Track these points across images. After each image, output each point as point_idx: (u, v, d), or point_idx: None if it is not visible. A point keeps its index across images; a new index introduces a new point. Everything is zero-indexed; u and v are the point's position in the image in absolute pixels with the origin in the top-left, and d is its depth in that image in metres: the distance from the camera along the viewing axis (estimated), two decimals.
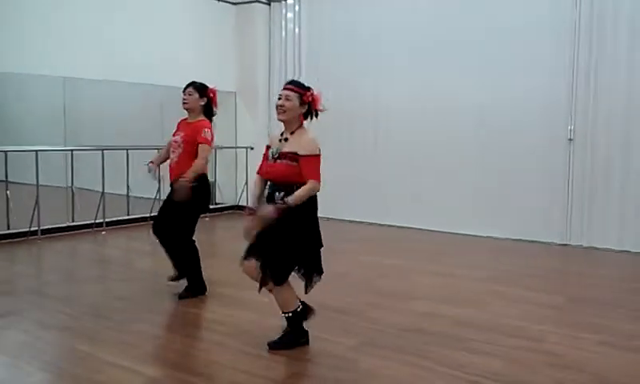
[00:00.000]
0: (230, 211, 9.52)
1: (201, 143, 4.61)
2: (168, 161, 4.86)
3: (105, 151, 7.73)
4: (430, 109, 7.96)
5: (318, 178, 3.51)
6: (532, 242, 7.23)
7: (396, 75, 8.26)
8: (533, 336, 4.01)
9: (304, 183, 3.49)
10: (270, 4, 9.51)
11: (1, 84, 9.68)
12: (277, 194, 3.55)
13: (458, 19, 7.73)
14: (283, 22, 9.38)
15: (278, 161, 3.57)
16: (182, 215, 4.73)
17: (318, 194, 3.59)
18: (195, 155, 4.63)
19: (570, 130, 6.98)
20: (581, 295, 5.15)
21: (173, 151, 4.75)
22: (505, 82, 7.37)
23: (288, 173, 3.53)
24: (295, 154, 3.52)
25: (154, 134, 7.88)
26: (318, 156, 3.54)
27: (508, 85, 7.35)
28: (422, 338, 3.96)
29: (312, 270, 3.68)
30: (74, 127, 7.92)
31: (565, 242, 7.09)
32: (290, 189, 3.50)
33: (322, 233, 3.66)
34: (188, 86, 4.79)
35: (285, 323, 3.74)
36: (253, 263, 3.60)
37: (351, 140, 8.77)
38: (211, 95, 4.79)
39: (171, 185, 4.80)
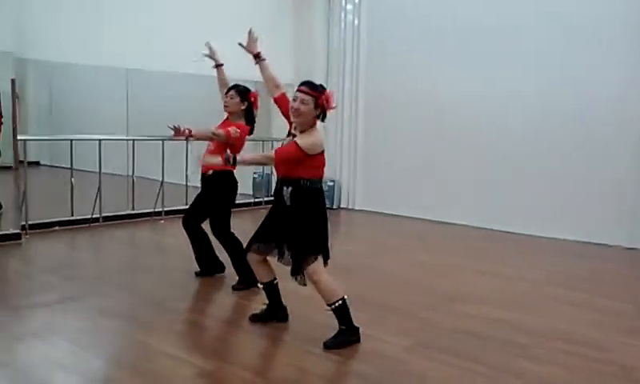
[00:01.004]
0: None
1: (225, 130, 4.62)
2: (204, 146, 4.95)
3: (165, 141, 7.86)
4: (493, 103, 7.72)
5: (278, 156, 3.57)
6: (596, 244, 6.88)
7: (459, 68, 8.01)
8: (598, 345, 3.81)
9: (311, 178, 3.62)
10: None
11: (68, 75, 10.08)
12: (285, 188, 3.64)
13: (524, 6, 7.46)
14: (342, 14, 9.28)
15: None
16: (212, 210, 4.87)
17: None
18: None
19: None
20: None
21: (211, 141, 4.81)
22: (573, 77, 7.04)
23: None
24: None
25: (212, 125, 7.93)
26: (300, 150, 3.53)
27: (576, 79, 7.02)
28: (477, 342, 3.84)
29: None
30: (135, 117, 8.10)
31: (633, 246, 6.72)
32: (296, 183, 3.60)
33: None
34: (230, 88, 4.87)
35: (335, 321, 3.69)
36: (256, 257, 3.84)
37: (409, 134, 8.60)
38: (252, 99, 4.86)
39: (202, 176, 4.92)
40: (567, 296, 4.95)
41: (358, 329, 3.73)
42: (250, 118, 4.89)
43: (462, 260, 6.25)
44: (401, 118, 8.67)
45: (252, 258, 3.91)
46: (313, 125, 3.66)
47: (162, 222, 7.78)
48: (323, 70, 9.44)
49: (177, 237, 7.18)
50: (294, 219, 3.64)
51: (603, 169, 6.92)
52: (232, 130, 4.61)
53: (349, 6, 9.20)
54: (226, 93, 4.88)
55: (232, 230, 4.93)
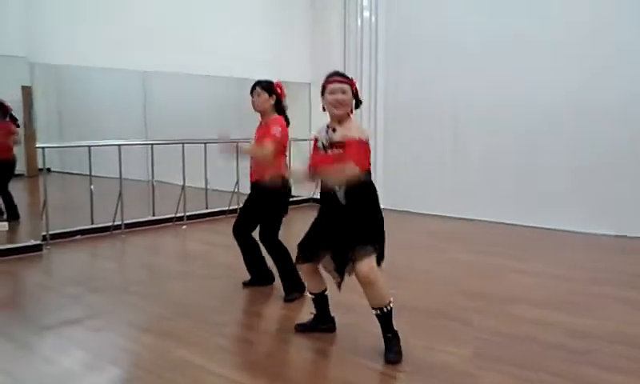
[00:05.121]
0: (306, 204, 9.31)
1: (267, 139, 4.44)
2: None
3: (185, 145, 7.64)
4: (519, 98, 7.47)
5: (357, 160, 3.29)
6: (637, 238, 6.61)
7: (478, 68, 7.79)
8: None
9: (362, 172, 3.36)
10: None
11: (84, 78, 9.87)
12: (336, 187, 3.40)
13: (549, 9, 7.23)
14: (359, 10, 9.07)
15: (329, 151, 3.40)
16: (263, 218, 4.62)
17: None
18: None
19: None
20: None
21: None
22: (604, 69, 6.81)
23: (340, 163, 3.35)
24: (343, 142, 3.36)
25: (231, 127, 7.74)
26: (362, 141, 3.35)
27: (607, 71, 6.78)
28: (541, 349, 3.59)
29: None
30: (154, 121, 7.92)
31: None
32: (349, 181, 3.35)
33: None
34: (254, 87, 4.62)
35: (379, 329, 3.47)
36: (308, 267, 3.65)
37: (431, 132, 8.38)
38: (278, 90, 4.63)
39: (252, 185, 4.69)
40: (619, 295, 4.69)
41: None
42: (281, 110, 4.67)
43: (497, 258, 5.99)
44: (421, 115, 8.45)
45: (303, 269, 3.72)
46: (348, 115, 3.49)
47: (185, 227, 7.55)
48: (340, 68, 9.18)
49: (201, 242, 7.01)
50: (350, 219, 3.39)
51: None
52: (274, 130, 4.42)
53: (365, 2, 8.99)
54: (251, 92, 4.63)
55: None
